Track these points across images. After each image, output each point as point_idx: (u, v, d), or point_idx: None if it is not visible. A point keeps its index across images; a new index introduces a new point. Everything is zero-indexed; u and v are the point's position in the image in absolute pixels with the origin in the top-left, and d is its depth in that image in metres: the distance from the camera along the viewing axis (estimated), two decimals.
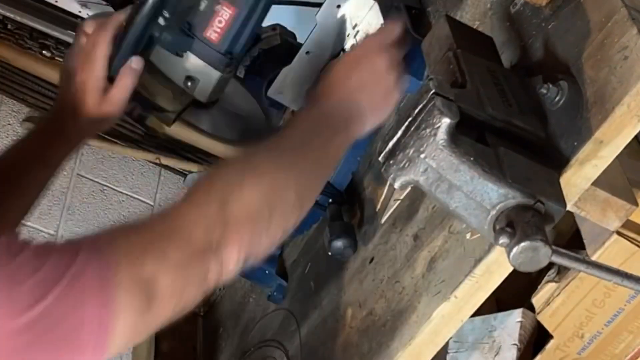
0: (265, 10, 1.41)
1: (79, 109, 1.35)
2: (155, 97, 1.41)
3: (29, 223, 2.48)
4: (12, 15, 2.42)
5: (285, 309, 1.58)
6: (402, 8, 1.45)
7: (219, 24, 1.39)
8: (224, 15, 1.39)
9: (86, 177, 2.66)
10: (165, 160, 2.69)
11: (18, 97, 2.56)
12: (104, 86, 1.34)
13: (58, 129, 1.37)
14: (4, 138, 2.50)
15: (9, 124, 2.57)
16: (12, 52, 2.46)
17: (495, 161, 1.00)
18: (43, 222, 2.52)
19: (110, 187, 2.71)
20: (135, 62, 1.36)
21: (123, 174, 2.74)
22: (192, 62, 1.41)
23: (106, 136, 2.57)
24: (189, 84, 1.42)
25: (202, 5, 1.39)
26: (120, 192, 2.74)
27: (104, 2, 2.13)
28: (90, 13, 2.37)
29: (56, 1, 2.40)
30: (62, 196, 2.59)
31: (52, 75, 2.51)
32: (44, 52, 2.47)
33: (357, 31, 1.49)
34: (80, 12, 2.42)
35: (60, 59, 2.48)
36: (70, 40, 2.46)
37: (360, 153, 1.47)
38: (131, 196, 2.77)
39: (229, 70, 1.42)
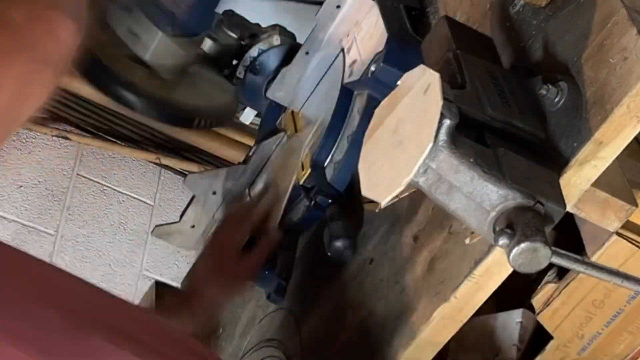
0: None
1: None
2: (109, 60, 1.41)
3: (29, 223, 2.49)
4: None
5: (285, 309, 1.58)
6: (401, 8, 1.45)
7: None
8: None
9: (86, 177, 2.66)
10: (165, 160, 2.69)
11: None
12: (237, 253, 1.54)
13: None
14: None
15: None
16: None
17: (494, 162, 1.00)
18: (43, 222, 2.53)
19: (110, 187, 2.72)
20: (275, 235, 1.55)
21: (123, 174, 2.75)
22: (139, 19, 1.41)
23: (106, 136, 2.57)
24: (133, 37, 1.42)
25: None
26: (120, 192, 2.75)
27: None
28: None
29: None
30: (62, 196, 2.59)
31: None
32: None
33: (357, 31, 1.49)
34: None
35: None
36: None
37: (359, 153, 1.46)
38: (131, 196, 2.78)
39: (172, 31, 1.42)
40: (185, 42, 1.45)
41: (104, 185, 2.70)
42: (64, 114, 2.57)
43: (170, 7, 1.42)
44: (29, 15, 0.90)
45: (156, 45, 1.43)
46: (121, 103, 1.45)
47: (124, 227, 2.76)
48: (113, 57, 1.44)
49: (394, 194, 0.99)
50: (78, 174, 2.66)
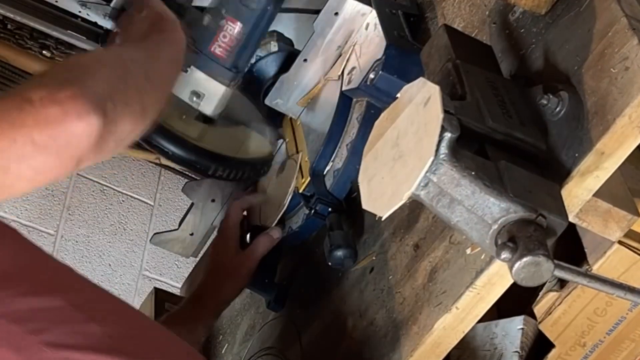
0: (270, 22, 1.41)
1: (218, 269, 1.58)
2: (166, 117, 1.41)
3: (29, 223, 2.49)
4: (12, 15, 2.42)
5: (286, 318, 1.58)
6: (400, 15, 1.45)
7: (224, 39, 1.39)
8: (230, 30, 1.38)
9: (86, 177, 2.66)
10: (165, 160, 2.68)
11: None
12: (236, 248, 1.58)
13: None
14: None
15: None
16: (12, 52, 2.45)
17: (496, 175, 0.99)
18: (43, 222, 2.53)
19: (110, 187, 2.72)
20: (275, 233, 1.57)
21: (123, 174, 2.75)
22: (197, 77, 1.41)
23: None
24: (195, 98, 1.42)
25: (206, 20, 1.39)
26: (120, 192, 2.75)
27: (104, 2, 2.12)
28: (90, 13, 2.36)
29: (56, 1, 2.39)
30: (62, 196, 2.59)
31: None
32: (44, 52, 2.47)
33: (356, 39, 1.48)
34: (80, 12, 2.41)
35: (60, 59, 2.48)
36: (70, 40, 2.46)
37: (359, 161, 1.46)
38: (131, 196, 2.77)
39: (234, 83, 1.42)
40: (235, 83, 1.46)
41: (104, 185, 2.70)
42: None
43: (222, 55, 1.41)
44: (46, 98, 0.90)
45: (219, 99, 1.43)
46: (170, 158, 1.46)
47: (124, 227, 2.76)
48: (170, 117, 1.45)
49: (395, 207, 0.98)
50: (78, 174, 2.66)
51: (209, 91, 1.42)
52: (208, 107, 1.43)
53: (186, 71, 1.41)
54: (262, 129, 1.57)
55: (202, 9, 1.41)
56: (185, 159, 1.44)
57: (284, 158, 1.63)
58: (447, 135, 0.96)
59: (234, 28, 1.39)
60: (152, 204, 2.82)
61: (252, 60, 1.61)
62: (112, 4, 1.42)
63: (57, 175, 0.94)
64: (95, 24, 2.23)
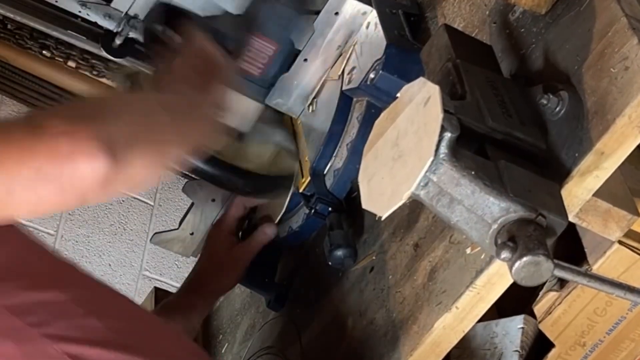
0: (297, 32, 1.42)
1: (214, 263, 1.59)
2: None
3: (29, 223, 2.48)
4: (12, 15, 2.41)
5: (286, 317, 1.58)
6: (400, 14, 1.45)
7: (249, 55, 1.39)
8: (256, 46, 1.39)
9: None
10: None
11: (18, 97, 2.56)
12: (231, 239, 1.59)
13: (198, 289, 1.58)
14: None
15: None
16: (12, 52, 2.45)
17: (496, 174, 0.99)
18: (43, 222, 2.53)
19: None
20: (268, 229, 1.57)
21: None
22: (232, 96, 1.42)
23: None
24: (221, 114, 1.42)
25: (231, 37, 1.39)
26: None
27: (104, 2, 2.12)
28: (90, 13, 2.35)
29: (56, 1, 2.39)
30: None
31: (52, 75, 2.51)
32: (44, 52, 2.47)
33: (356, 38, 1.48)
34: (80, 12, 2.41)
35: (60, 59, 2.48)
36: (70, 40, 2.46)
37: (359, 161, 1.46)
38: (131, 196, 2.77)
39: (262, 98, 1.43)
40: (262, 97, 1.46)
41: None
42: None
43: (250, 70, 1.42)
44: (59, 130, 0.91)
45: (247, 112, 1.43)
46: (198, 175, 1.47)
47: (124, 227, 2.75)
48: None
49: (395, 207, 0.98)
50: None
51: (241, 108, 1.43)
52: (242, 124, 1.44)
53: None
54: (289, 144, 1.57)
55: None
56: (215, 176, 1.45)
57: None
58: (447, 134, 0.96)
59: (261, 43, 1.40)
60: (152, 204, 2.82)
61: None
62: (145, 23, 1.43)
63: (60, 207, 0.96)
64: (95, 24, 2.23)
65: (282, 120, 1.61)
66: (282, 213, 1.58)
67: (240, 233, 1.62)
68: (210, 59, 1.25)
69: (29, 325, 1.04)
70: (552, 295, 1.37)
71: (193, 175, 1.51)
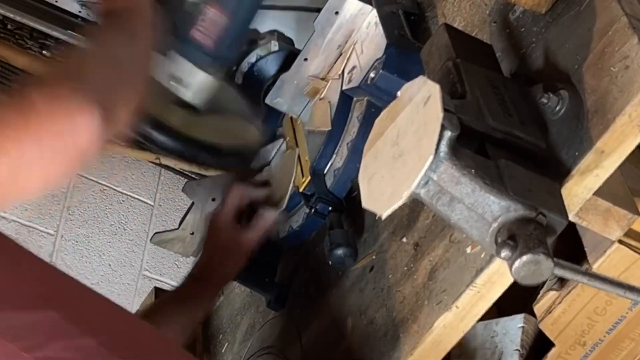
0: (253, 10, 1.40)
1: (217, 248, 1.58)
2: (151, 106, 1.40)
3: (29, 223, 2.48)
4: (12, 15, 2.42)
5: (286, 317, 1.58)
6: (401, 14, 1.45)
7: (203, 24, 1.38)
8: (210, 15, 1.38)
9: (86, 177, 2.65)
10: (165, 160, 2.68)
11: None
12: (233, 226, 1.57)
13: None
14: None
15: None
16: (12, 52, 2.45)
17: (496, 173, 0.99)
18: (43, 222, 2.52)
19: (110, 187, 2.71)
20: (270, 215, 1.56)
21: (123, 174, 2.74)
22: (177, 61, 1.41)
23: None
24: (174, 83, 1.42)
25: (187, 6, 1.38)
26: (120, 192, 2.74)
27: None
28: (90, 13, 2.36)
29: (56, 1, 2.39)
30: (62, 196, 2.59)
31: None
32: (44, 52, 2.47)
33: (356, 38, 1.48)
34: (80, 12, 2.42)
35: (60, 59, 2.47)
36: (70, 40, 2.47)
37: (359, 160, 1.46)
38: (131, 196, 2.77)
39: (218, 71, 1.42)
40: (218, 72, 1.45)
41: (104, 185, 2.69)
42: None
43: (202, 40, 1.41)
44: (49, 98, 0.90)
45: (199, 85, 1.43)
46: (157, 146, 1.45)
47: (124, 227, 2.75)
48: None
49: (395, 206, 0.98)
50: (78, 174, 2.65)
51: (188, 77, 1.42)
52: (188, 94, 1.43)
53: (165, 55, 1.41)
54: (248, 117, 1.56)
55: None
56: (175, 148, 1.44)
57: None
58: (447, 133, 0.96)
59: (216, 14, 1.39)
60: (152, 204, 2.82)
61: (253, 60, 1.61)
62: None
63: (66, 174, 0.94)
64: (95, 24, 2.23)
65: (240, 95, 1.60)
66: (287, 199, 1.57)
67: (241, 221, 1.61)
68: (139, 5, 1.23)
69: (24, 349, 1.01)
70: (552, 294, 1.37)
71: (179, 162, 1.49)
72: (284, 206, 1.56)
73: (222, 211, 1.60)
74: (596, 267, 1.28)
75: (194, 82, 1.42)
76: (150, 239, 1.77)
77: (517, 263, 0.95)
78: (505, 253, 0.96)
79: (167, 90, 1.43)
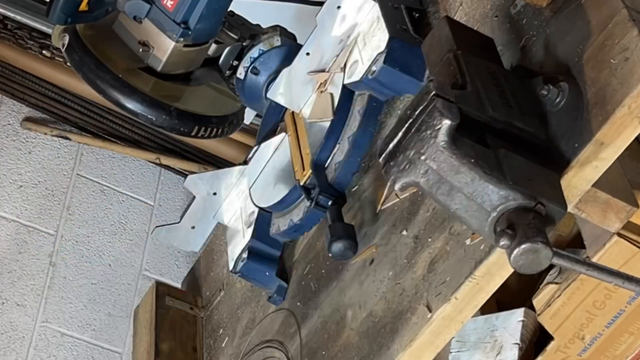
0: None
1: None
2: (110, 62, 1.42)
3: (29, 223, 2.48)
4: (12, 15, 2.42)
5: (286, 310, 1.58)
6: (402, 9, 1.45)
7: None
8: None
9: (86, 177, 2.65)
10: (165, 160, 2.68)
11: (18, 97, 2.56)
12: None
13: None
14: (4, 138, 2.50)
15: (9, 124, 2.56)
16: (12, 52, 2.46)
17: (495, 163, 1.00)
18: (43, 222, 2.52)
19: (110, 187, 2.71)
20: None
21: (123, 174, 2.74)
22: (148, 28, 1.42)
23: (106, 136, 2.57)
24: (141, 49, 1.42)
25: None
26: (120, 192, 2.74)
27: None
28: None
29: None
30: (62, 196, 2.58)
31: (52, 75, 2.52)
32: (44, 52, 2.48)
33: (358, 32, 1.49)
34: None
35: (60, 59, 2.49)
36: None
37: (361, 154, 1.47)
38: (131, 196, 2.76)
39: (183, 41, 1.42)
40: (194, 49, 1.46)
41: (104, 185, 2.69)
42: (64, 114, 2.56)
43: (172, 8, 1.42)
44: None
45: (168, 56, 1.44)
46: (126, 111, 1.46)
47: (124, 227, 2.75)
48: (122, 67, 1.45)
49: None
50: (78, 174, 2.65)
51: (157, 44, 1.43)
52: (156, 62, 1.44)
53: (140, 22, 1.42)
54: (223, 86, 1.57)
55: None
56: (143, 112, 1.45)
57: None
58: (447, 122, 0.96)
59: None
60: (152, 204, 2.81)
61: (255, 54, 1.61)
62: None
63: None
64: None
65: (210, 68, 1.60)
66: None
67: None
68: None
69: None
70: (552, 287, 1.37)
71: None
72: None
73: None
74: (595, 260, 1.28)
75: (163, 50, 1.43)
76: (152, 233, 1.78)
77: (515, 252, 0.95)
78: (504, 242, 0.96)
79: (136, 55, 1.44)
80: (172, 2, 1.40)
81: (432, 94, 0.99)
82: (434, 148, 0.97)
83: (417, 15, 1.47)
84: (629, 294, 1.34)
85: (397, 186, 1.01)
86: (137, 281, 2.71)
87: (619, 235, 1.26)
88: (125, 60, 1.46)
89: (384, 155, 1.02)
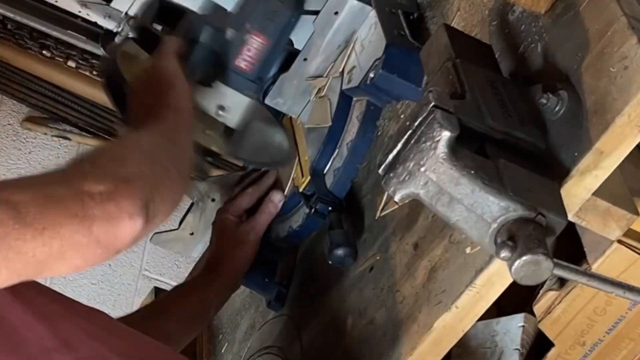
0: (291, 30, 1.42)
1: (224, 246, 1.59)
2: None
3: None
4: (12, 15, 2.42)
5: (286, 317, 1.58)
6: (400, 14, 1.45)
7: (248, 53, 1.40)
8: (254, 44, 1.40)
9: None
10: None
11: (18, 97, 2.56)
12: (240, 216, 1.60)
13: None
14: (4, 138, 2.50)
15: (9, 124, 2.57)
16: (12, 52, 2.46)
17: (495, 173, 0.99)
18: None
19: None
20: (276, 196, 1.59)
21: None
22: (222, 91, 1.42)
23: (106, 136, 2.57)
24: (220, 112, 1.43)
25: (229, 35, 1.40)
26: None
27: (104, 2, 2.12)
28: (90, 13, 2.36)
29: (56, 1, 2.39)
30: None
31: (52, 75, 2.51)
32: (44, 52, 2.48)
33: (356, 38, 1.48)
34: (80, 12, 2.42)
35: (60, 59, 2.48)
36: (70, 40, 2.47)
37: (360, 161, 1.46)
38: None
39: (257, 94, 1.43)
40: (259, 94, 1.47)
41: None
42: (64, 114, 2.56)
43: (247, 68, 1.43)
44: (105, 194, 0.96)
45: (245, 111, 1.45)
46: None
47: None
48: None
49: None
50: None
51: (234, 104, 1.44)
52: (233, 120, 1.45)
53: (211, 86, 1.42)
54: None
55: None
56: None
57: None
58: (447, 134, 0.96)
59: (260, 42, 1.41)
60: None
61: None
62: (139, 20, 1.46)
63: (101, 261, 1.00)
64: (95, 24, 2.23)
65: (279, 120, 1.61)
66: (290, 183, 1.58)
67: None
68: (165, 79, 1.30)
69: None
70: (552, 294, 1.37)
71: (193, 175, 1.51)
72: (290, 180, 1.56)
73: (229, 208, 1.61)
74: (595, 267, 1.28)
75: (238, 108, 1.44)
76: (150, 239, 1.78)
77: (516, 263, 0.95)
78: (504, 253, 0.96)
79: (216, 120, 1.45)
80: (246, 63, 1.41)
81: (431, 105, 0.99)
82: (434, 159, 0.97)
83: (413, 19, 1.47)
84: (629, 300, 1.34)
85: (396, 197, 1.01)
86: (137, 281, 2.72)
87: (619, 242, 1.25)
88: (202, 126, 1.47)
89: (383, 166, 1.02)
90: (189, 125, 1.26)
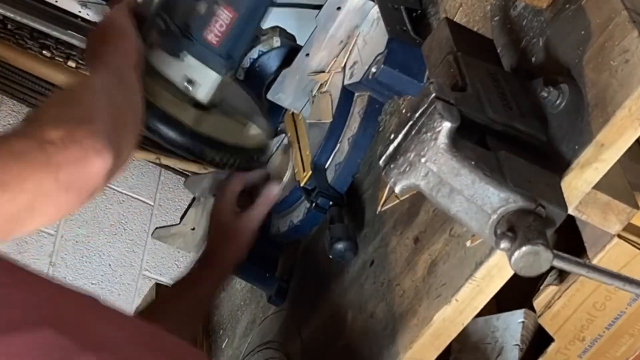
0: (264, 12, 1.42)
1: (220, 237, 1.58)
2: (157, 99, 1.41)
3: None
4: (12, 15, 2.42)
5: (286, 312, 1.58)
6: (402, 10, 1.45)
7: (219, 28, 1.40)
8: (224, 18, 1.39)
9: None
10: (165, 160, 2.69)
11: (18, 97, 2.56)
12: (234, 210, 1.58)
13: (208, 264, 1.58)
14: None
15: (9, 124, 2.57)
16: (12, 52, 2.46)
17: (496, 165, 0.99)
18: None
19: (110, 187, 2.72)
20: (273, 188, 1.57)
21: (123, 174, 2.74)
22: (192, 64, 1.42)
23: None
24: (189, 86, 1.42)
25: (201, 8, 1.40)
26: (120, 192, 2.75)
27: (104, 2, 2.13)
28: (90, 13, 2.36)
29: (56, 1, 2.40)
30: None
31: (52, 75, 2.52)
32: (44, 52, 2.48)
33: (358, 33, 1.49)
34: (80, 12, 2.42)
35: (60, 59, 2.49)
36: (70, 40, 2.47)
37: (361, 156, 1.47)
38: (131, 196, 2.77)
39: (229, 72, 1.43)
40: (229, 71, 1.47)
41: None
42: None
43: (214, 42, 1.42)
44: (66, 138, 0.96)
45: (211, 85, 1.44)
46: (166, 142, 1.46)
47: (124, 227, 2.76)
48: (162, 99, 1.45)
49: None
50: None
51: (202, 78, 1.43)
52: (201, 94, 1.44)
53: (180, 58, 1.42)
54: (258, 120, 1.57)
55: None
56: (182, 143, 1.45)
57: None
58: (447, 125, 0.96)
59: (228, 16, 1.40)
60: (152, 204, 2.82)
61: (255, 55, 1.62)
62: None
63: (74, 209, 0.99)
64: (95, 24, 2.24)
65: (253, 98, 1.60)
66: (288, 174, 1.57)
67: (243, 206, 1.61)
68: (114, 28, 1.33)
69: None
70: (552, 289, 1.37)
71: (175, 150, 1.50)
72: (286, 181, 1.56)
73: (223, 198, 1.60)
74: (596, 262, 1.28)
75: (207, 83, 1.43)
76: (152, 234, 1.78)
77: (516, 254, 0.95)
78: (504, 244, 0.96)
79: (181, 91, 1.44)
80: (217, 39, 1.41)
81: (432, 96, 0.99)
82: (434, 150, 0.97)
83: (415, 14, 1.47)
84: (629, 295, 1.34)
85: (397, 189, 1.01)
86: (137, 281, 2.72)
87: (619, 236, 1.26)
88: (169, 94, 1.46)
89: (384, 157, 1.02)
90: (136, 69, 1.27)
